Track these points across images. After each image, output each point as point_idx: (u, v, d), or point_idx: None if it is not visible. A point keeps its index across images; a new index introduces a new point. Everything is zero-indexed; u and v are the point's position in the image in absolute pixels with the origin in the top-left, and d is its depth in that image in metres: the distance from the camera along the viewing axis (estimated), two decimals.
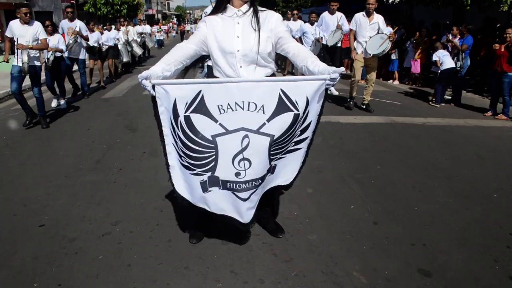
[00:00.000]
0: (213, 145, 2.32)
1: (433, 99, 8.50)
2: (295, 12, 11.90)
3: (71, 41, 8.19)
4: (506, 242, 3.04)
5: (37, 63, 6.29)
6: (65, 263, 2.78)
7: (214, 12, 2.54)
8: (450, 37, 8.67)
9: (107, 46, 10.80)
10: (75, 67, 9.15)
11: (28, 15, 5.96)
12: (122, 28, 13.66)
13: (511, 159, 5.03)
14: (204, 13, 4.34)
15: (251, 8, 2.48)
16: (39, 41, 6.16)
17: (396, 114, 7.22)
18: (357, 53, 7.16)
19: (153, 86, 2.27)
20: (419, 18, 13.63)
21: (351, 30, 7.32)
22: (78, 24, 8.47)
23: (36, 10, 22.86)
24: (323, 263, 2.73)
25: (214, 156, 2.36)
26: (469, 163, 4.81)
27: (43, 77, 7.00)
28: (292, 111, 2.28)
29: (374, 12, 6.96)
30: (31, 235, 3.16)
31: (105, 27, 11.20)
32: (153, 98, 2.33)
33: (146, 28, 18.96)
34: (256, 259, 2.76)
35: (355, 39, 7.22)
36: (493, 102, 7.52)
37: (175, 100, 2.27)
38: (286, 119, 2.29)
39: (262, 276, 2.59)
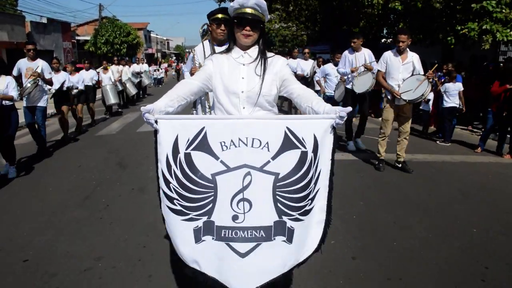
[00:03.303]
0: (213, 185, 2.15)
1: (438, 138, 8.76)
2: (306, 50, 10.71)
3: (29, 85, 6.50)
4: (481, 276, 3.10)
5: None
6: None
7: (222, 52, 2.56)
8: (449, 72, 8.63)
9: (77, 90, 9.29)
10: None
11: None
12: (113, 68, 12.95)
13: (495, 195, 5.11)
14: (193, 50, 4.21)
15: (259, 55, 2.47)
16: None
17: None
18: (388, 99, 6.09)
19: (156, 121, 2.16)
20: None
21: (379, 71, 6.19)
22: (41, 64, 6.80)
23: (38, 49, 23.43)
24: None
25: (212, 197, 2.15)
26: (451, 200, 4.90)
27: None
28: (299, 148, 2.13)
29: (408, 49, 5.96)
30: (14, 270, 3.20)
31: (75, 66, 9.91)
32: (155, 133, 2.20)
33: (144, 66, 18.79)
34: None
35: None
36: (502, 142, 7.61)
37: (177, 136, 2.16)
38: (292, 156, 2.13)
39: None
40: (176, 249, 2.21)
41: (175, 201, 2.18)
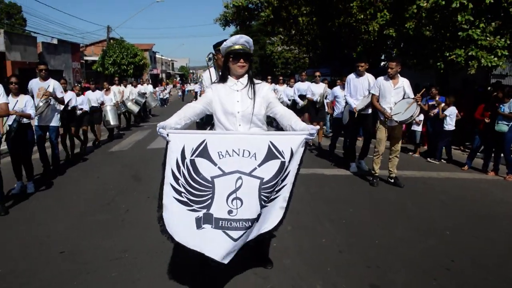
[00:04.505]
0: (211, 185, 2.78)
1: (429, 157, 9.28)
2: (317, 74, 10.40)
3: (41, 104, 6.74)
4: (447, 266, 3.71)
5: None
6: (84, 279, 3.45)
7: (219, 81, 3.24)
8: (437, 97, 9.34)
9: (80, 111, 9.08)
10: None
11: None
12: (114, 88, 12.58)
13: (473, 205, 5.70)
14: (201, 76, 4.82)
15: (249, 81, 3.15)
16: None
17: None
18: (381, 120, 6.59)
19: (167, 134, 2.84)
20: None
21: (373, 95, 6.68)
22: (52, 84, 7.00)
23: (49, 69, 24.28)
24: (293, 280, 3.41)
25: (211, 195, 2.78)
26: (431, 207, 5.52)
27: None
28: (279, 159, 2.81)
29: (399, 75, 6.50)
30: (54, 259, 3.84)
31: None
32: (167, 143, 2.88)
33: (149, 88, 18.94)
34: (239, 275, 3.42)
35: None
36: (487, 160, 8.07)
37: (183, 146, 2.81)
38: (274, 165, 2.79)
39: None
40: (177, 237, 2.80)
41: (182, 194, 2.82)
